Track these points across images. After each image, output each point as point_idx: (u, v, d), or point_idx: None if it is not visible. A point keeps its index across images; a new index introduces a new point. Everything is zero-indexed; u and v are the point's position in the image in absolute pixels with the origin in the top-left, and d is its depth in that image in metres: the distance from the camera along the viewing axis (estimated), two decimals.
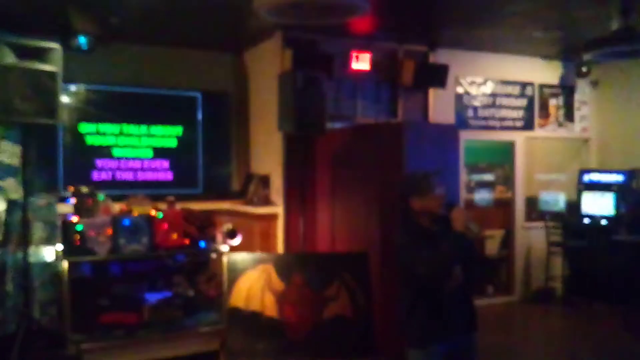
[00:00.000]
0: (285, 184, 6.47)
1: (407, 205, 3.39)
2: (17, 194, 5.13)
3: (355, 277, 5.71)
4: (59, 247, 5.02)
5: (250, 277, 5.61)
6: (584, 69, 7.92)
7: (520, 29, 6.56)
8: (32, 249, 4.89)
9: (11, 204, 5.01)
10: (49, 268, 5.04)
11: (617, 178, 7.74)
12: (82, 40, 5.59)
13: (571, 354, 5.91)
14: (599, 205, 7.83)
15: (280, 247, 6.47)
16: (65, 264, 4.88)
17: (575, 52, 7.42)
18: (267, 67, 6.69)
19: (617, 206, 7.63)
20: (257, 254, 5.92)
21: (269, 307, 5.54)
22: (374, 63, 6.83)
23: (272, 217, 6.48)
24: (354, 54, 6.71)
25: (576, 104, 8.49)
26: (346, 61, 6.69)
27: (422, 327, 3.33)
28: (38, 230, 5.10)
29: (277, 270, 5.66)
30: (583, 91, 8.52)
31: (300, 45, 6.40)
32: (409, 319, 3.37)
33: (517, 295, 7.96)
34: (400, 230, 3.45)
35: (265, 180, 6.80)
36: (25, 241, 4.64)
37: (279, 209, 6.49)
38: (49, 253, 5.07)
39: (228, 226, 5.72)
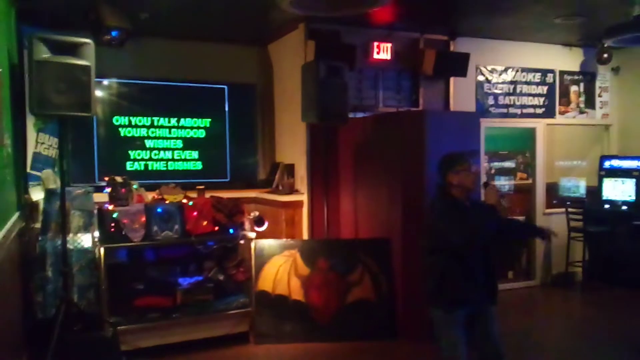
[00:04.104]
0: (310, 172, 6.57)
1: (445, 180, 3.72)
2: (54, 184, 5.23)
3: (377, 262, 5.85)
4: (96, 234, 5.16)
5: (277, 262, 5.78)
6: (604, 56, 7.82)
7: (541, 16, 6.53)
8: (70, 236, 4.95)
9: (49, 194, 5.09)
10: (87, 254, 5.12)
11: (638, 164, 7.73)
12: (114, 35, 5.69)
13: (591, 338, 5.93)
14: (619, 191, 7.85)
15: (305, 234, 6.58)
16: (101, 250, 5.04)
17: (596, 39, 7.41)
18: (291, 58, 6.78)
19: (638, 192, 7.63)
20: (283, 240, 6.09)
21: (295, 291, 5.70)
22: (395, 53, 6.89)
23: (297, 205, 6.59)
24: (376, 44, 6.79)
25: (597, 91, 8.45)
26: (368, 51, 6.77)
27: (451, 291, 3.61)
28: (75, 218, 5.16)
29: (303, 255, 5.82)
30: (604, 77, 8.48)
31: (323, 37, 6.47)
32: (440, 283, 3.64)
33: (537, 280, 8.00)
34: (436, 203, 3.77)
35: (290, 169, 6.91)
36: (63, 229, 4.65)
37: (303, 197, 6.60)
38: (86, 240, 5.14)
39: (255, 213, 5.87)
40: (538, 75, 8.03)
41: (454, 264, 3.60)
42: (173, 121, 7.01)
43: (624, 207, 7.75)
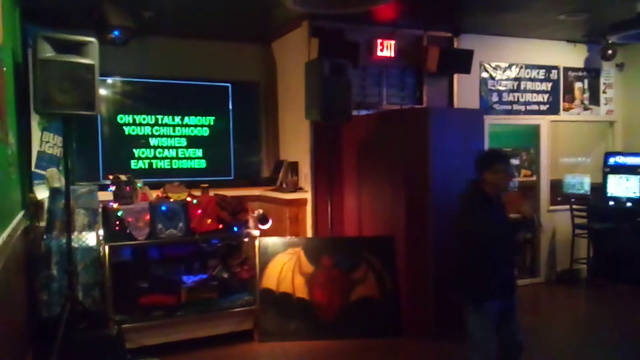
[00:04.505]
0: (314, 170, 6.57)
1: (481, 176, 3.82)
2: (59, 182, 5.22)
3: (381, 260, 5.85)
4: (100, 232, 5.16)
5: (281, 260, 5.79)
6: (609, 52, 7.80)
7: (545, 12, 6.52)
8: (74, 235, 4.96)
9: (54, 192, 5.10)
10: (91, 252, 5.11)
11: None
12: (117, 34, 5.69)
13: (596, 334, 5.93)
14: (624, 188, 7.83)
15: (309, 231, 6.58)
16: (106, 249, 5.06)
17: (601, 35, 7.40)
18: (295, 56, 6.78)
19: None
20: (287, 238, 6.09)
21: (299, 289, 5.71)
22: (398, 50, 6.89)
23: (301, 203, 6.59)
24: (379, 42, 6.78)
25: (601, 87, 8.43)
26: (371, 49, 6.77)
27: (484, 285, 3.74)
28: (80, 216, 5.16)
29: (307, 253, 5.83)
30: (608, 74, 8.46)
31: (327, 34, 6.46)
32: (472, 278, 3.78)
33: (542, 277, 7.99)
34: (466, 198, 3.88)
35: (294, 167, 6.91)
36: (68, 227, 4.66)
37: (307, 195, 6.60)
38: (91, 238, 5.14)
39: (259, 211, 5.87)
40: (542, 71, 8.02)
41: (482, 261, 3.72)
42: (177, 119, 7.04)
43: (629, 204, 7.73)
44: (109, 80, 6.68)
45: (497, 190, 3.84)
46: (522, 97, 7.89)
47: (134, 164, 6.81)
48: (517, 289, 3.98)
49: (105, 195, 5.51)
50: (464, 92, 7.45)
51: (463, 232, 3.85)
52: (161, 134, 6.97)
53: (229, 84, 7.31)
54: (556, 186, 8.27)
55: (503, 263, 3.82)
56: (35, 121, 5.44)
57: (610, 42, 7.51)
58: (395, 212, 5.85)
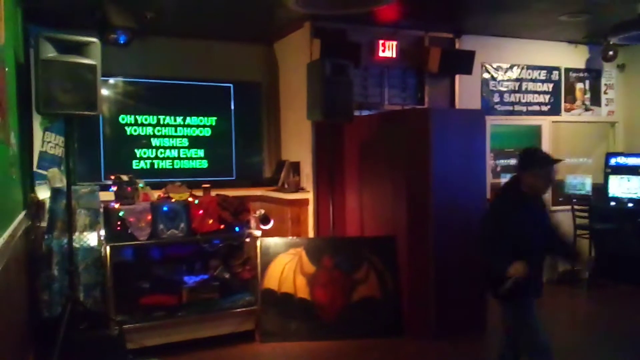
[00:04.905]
0: (315, 170, 6.59)
1: (520, 174, 3.79)
2: (61, 182, 5.24)
3: (383, 260, 5.85)
4: (102, 232, 5.15)
5: (283, 260, 5.78)
6: (610, 53, 7.81)
7: (546, 13, 6.53)
8: (76, 235, 4.95)
9: (55, 192, 5.09)
10: (93, 253, 5.09)
11: None
12: (120, 34, 5.71)
13: (597, 334, 5.93)
14: (625, 188, 7.84)
15: (310, 232, 6.59)
16: (107, 249, 5.05)
17: (602, 36, 7.40)
18: (297, 57, 6.79)
19: None
20: (289, 238, 6.09)
21: (301, 289, 5.70)
22: (400, 51, 6.90)
23: (303, 203, 6.60)
24: (381, 42, 6.78)
25: (603, 88, 8.45)
26: (373, 49, 6.79)
27: (524, 282, 3.66)
28: (81, 217, 5.14)
29: (308, 253, 5.82)
30: (609, 75, 8.47)
31: (328, 35, 6.48)
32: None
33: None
34: (501, 196, 3.93)
35: (295, 167, 6.92)
36: (69, 227, 4.65)
37: (309, 195, 6.61)
38: (92, 238, 5.12)
39: (261, 212, 5.86)
40: (543, 72, 8.02)
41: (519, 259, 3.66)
42: (179, 120, 7.04)
43: (630, 205, 7.74)
44: (111, 81, 6.68)
45: (536, 192, 3.80)
46: (523, 98, 7.90)
47: (135, 164, 6.81)
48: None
49: (107, 196, 5.50)
50: (466, 92, 7.46)
51: (489, 226, 3.82)
52: (163, 134, 6.97)
53: (231, 85, 7.31)
54: (558, 186, 8.26)
55: (536, 263, 3.81)
56: (37, 121, 5.44)
57: (611, 43, 7.51)
58: (396, 213, 5.85)
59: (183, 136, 7.07)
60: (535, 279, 3.80)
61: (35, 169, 5.43)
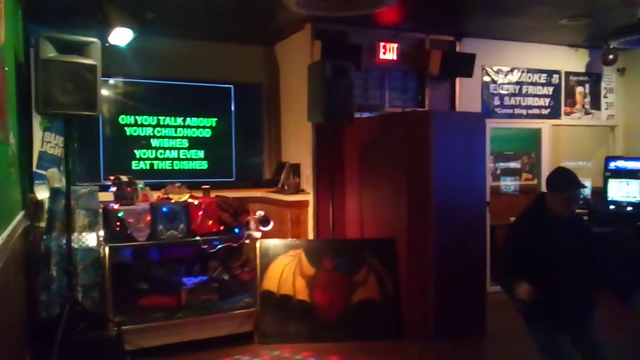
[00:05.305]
0: (315, 172, 6.58)
1: (545, 194, 3.73)
2: (60, 182, 5.19)
3: (383, 263, 5.84)
4: (101, 233, 5.13)
5: (282, 262, 5.76)
6: (610, 57, 7.80)
7: (547, 17, 6.53)
8: (75, 235, 4.93)
9: (55, 192, 5.06)
10: (91, 253, 5.07)
11: None
12: (120, 34, 5.73)
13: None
14: (624, 192, 7.82)
15: (310, 234, 6.58)
16: (106, 250, 5.03)
17: (602, 40, 7.41)
18: (298, 58, 6.79)
19: None
20: (289, 240, 6.08)
21: (300, 291, 5.69)
22: (401, 53, 6.90)
23: (303, 204, 6.59)
24: (382, 45, 6.78)
25: (603, 92, 8.44)
26: (374, 52, 6.78)
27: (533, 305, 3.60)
28: (80, 217, 5.12)
29: (308, 255, 5.81)
30: (609, 78, 8.47)
31: (329, 37, 6.48)
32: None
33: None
34: (522, 218, 3.86)
35: (296, 169, 6.92)
36: (68, 228, 4.65)
37: (309, 197, 6.61)
38: (91, 239, 5.10)
39: (260, 213, 5.84)
40: (544, 76, 8.02)
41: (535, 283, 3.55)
42: (179, 120, 7.04)
43: (629, 208, 7.73)
44: (111, 81, 6.68)
45: (558, 215, 3.67)
46: (523, 101, 7.90)
47: (135, 165, 6.81)
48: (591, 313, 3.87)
49: (106, 196, 5.49)
50: (466, 95, 7.45)
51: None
52: (163, 134, 6.97)
53: (231, 86, 7.32)
54: None
55: (556, 284, 3.62)
56: (36, 121, 5.41)
57: (611, 47, 7.50)
58: (397, 215, 5.85)
59: (183, 137, 7.06)
60: (563, 304, 3.66)
61: (34, 169, 5.40)
